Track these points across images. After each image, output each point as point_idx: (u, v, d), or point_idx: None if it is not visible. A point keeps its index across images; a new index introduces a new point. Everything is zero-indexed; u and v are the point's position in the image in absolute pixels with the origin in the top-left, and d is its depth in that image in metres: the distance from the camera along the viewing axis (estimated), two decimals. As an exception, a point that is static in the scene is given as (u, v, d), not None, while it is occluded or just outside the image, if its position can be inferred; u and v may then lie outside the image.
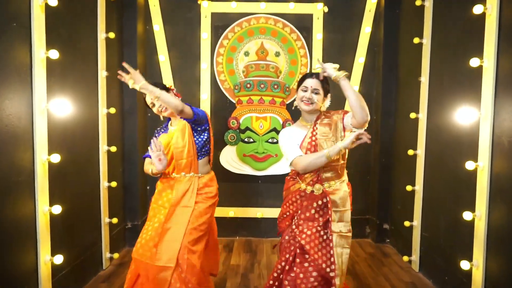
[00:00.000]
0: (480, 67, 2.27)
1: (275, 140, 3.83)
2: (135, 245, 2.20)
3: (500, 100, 2.16)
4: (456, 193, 2.64)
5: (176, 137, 2.31)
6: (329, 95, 2.20)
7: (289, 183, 2.25)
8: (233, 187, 3.93)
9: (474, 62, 2.25)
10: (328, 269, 1.99)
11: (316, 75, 2.12)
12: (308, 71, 3.84)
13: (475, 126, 2.36)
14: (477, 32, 2.34)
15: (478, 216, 2.30)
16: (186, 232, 2.18)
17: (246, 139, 3.85)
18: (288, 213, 2.21)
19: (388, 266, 3.29)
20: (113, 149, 3.13)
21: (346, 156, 2.18)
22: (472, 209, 2.35)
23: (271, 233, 3.94)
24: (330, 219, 2.06)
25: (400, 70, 3.65)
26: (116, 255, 3.20)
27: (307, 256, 2.02)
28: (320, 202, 2.10)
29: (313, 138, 2.12)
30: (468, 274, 2.39)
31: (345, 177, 2.20)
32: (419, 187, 3.14)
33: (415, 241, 3.18)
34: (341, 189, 2.12)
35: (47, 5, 2.20)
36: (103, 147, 3.06)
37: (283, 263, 2.10)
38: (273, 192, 3.92)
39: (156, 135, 2.48)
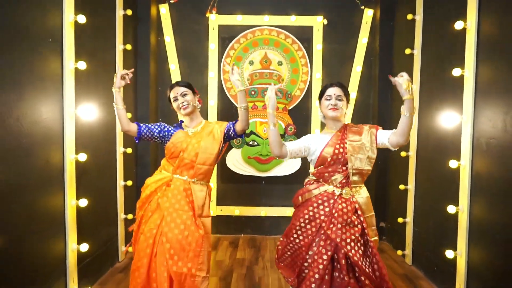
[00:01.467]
0: (462, 76, 2.54)
1: (278, 144, 4.10)
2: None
3: (479, 105, 2.43)
4: (442, 189, 2.89)
5: (206, 140, 2.34)
6: (350, 103, 2.27)
7: (310, 186, 2.15)
8: (238, 188, 4.20)
9: (456, 71, 2.52)
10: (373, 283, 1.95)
11: (336, 83, 2.18)
12: (308, 79, 4.12)
13: (458, 129, 2.62)
14: (459, 45, 2.62)
15: (461, 209, 2.55)
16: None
17: (250, 143, 4.12)
18: (313, 217, 2.06)
19: (384, 261, 3.52)
20: (129, 150, 3.41)
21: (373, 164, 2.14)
22: (456, 204, 2.61)
23: (275, 231, 4.19)
24: (365, 225, 2.02)
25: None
26: (131, 249, 3.45)
27: (355, 268, 1.95)
28: (354, 206, 2.05)
29: (342, 144, 2.08)
30: (454, 263, 2.64)
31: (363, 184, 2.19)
32: (411, 186, 3.39)
33: (408, 237, 3.43)
34: (364, 194, 2.13)
35: (76, 22, 2.49)
36: (120, 148, 3.34)
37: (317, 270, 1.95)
38: (276, 192, 4.18)
39: (171, 129, 2.45)
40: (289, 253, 2.17)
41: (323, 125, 2.33)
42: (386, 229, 4.08)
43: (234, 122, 2.43)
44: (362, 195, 2.11)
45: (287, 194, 4.07)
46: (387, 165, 4.02)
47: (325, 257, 1.95)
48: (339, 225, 1.97)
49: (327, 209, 2.04)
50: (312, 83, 4.12)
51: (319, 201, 2.07)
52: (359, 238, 1.99)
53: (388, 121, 4.00)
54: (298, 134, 4.11)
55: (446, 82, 2.85)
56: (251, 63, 4.12)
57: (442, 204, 2.82)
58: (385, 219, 4.07)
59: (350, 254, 1.92)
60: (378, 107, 4.00)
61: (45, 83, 2.27)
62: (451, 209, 2.58)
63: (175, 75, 4.07)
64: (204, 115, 4.09)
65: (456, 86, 2.66)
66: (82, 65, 2.50)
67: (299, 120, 4.14)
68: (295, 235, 2.11)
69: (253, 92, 4.06)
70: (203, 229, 2.26)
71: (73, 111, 2.50)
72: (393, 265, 3.42)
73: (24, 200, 2.12)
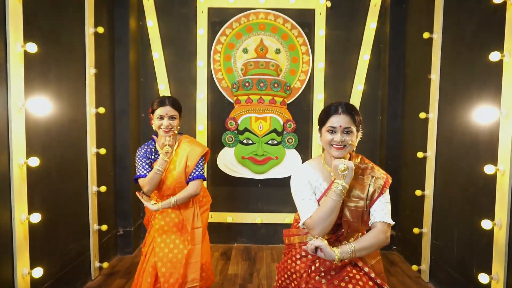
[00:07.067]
0: (501, 62, 2.07)
1: (275, 142, 3.64)
2: (157, 264, 2.23)
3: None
4: (472, 199, 2.43)
5: (179, 168, 2.30)
6: (360, 126, 1.70)
7: (295, 230, 1.85)
8: (231, 191, 3.74)
9: (494, 56, 2.05)
10: None
11: (344, 108, 1.64)
12: (309, 69, 3.65)
13: (495, 126, 2.16)
14: (496, 24, 2.15)
15: (498, 224, 2.09)
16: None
17: (244, 141, 3.65)
18: (294, 271, 1.74)
19: (395, 275, 3.09)
20: (103, 151, 2.93)
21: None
22: (491, 217, 2.15)
23: (271, 240, 3.74)
24: (373, 275, 1.64)
25: (408, 68, 3.46)
26: (105, 264, 2.99)
27: None
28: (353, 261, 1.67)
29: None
30: (480, 283, 2.19)
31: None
32: (429, 191, 2.94)
33: (425, 250, 2.98)
34: None
35: (24, -6, 2.01)
36: (91, 149, 2.86)
37: None
38: (273, 197, 3.73)
39: (149, 155, 2.35)
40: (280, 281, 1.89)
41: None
42: (396, 238, 3.63)
43: (196, 176, 2.30)
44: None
45: (286, 198, 3.62)
46: (398, 166, 3.55)
47: None
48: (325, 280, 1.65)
49: (303, 265, 1.72)
50: (314, 73, 3.64)
51: (302, 253, 1.75)
52: None
53: (399, 116, 3.53)
54: (298, 132, 3.66)
55: (476, 70, 2.38)
56: (245, 51, 3.64)
57: (471, 216, 2.38)
58: (396, 227, 3.62)
59: None
60: (388, 99, 3.54)
61: (-19, 69, 1.79)
62: (486, 224, 2.12)
63: (159, 65, 3.59)
64: (193, 109, 3.63)
65: (491, 73, 2.19)
66: (33, 47, 2.01)
67: (299, 116, 3.67)
68: (284, 283, 1.82)
69: (247, 84, 3.58)
70: (192, 242, 2.31)
71: (22, 105, 2.01)
72: (407, 281, 2.97)
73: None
